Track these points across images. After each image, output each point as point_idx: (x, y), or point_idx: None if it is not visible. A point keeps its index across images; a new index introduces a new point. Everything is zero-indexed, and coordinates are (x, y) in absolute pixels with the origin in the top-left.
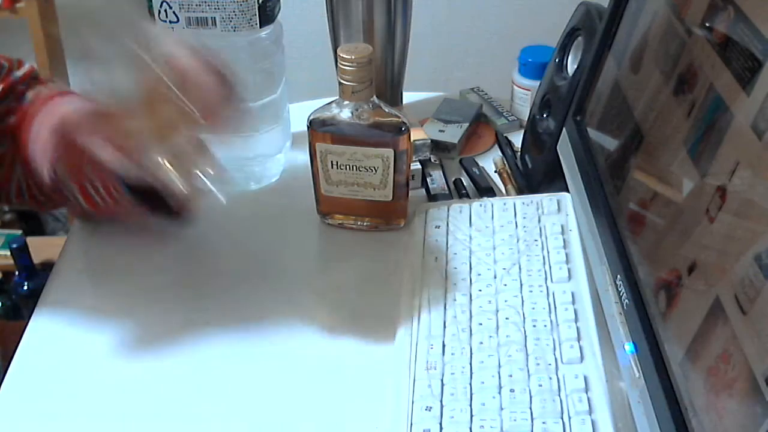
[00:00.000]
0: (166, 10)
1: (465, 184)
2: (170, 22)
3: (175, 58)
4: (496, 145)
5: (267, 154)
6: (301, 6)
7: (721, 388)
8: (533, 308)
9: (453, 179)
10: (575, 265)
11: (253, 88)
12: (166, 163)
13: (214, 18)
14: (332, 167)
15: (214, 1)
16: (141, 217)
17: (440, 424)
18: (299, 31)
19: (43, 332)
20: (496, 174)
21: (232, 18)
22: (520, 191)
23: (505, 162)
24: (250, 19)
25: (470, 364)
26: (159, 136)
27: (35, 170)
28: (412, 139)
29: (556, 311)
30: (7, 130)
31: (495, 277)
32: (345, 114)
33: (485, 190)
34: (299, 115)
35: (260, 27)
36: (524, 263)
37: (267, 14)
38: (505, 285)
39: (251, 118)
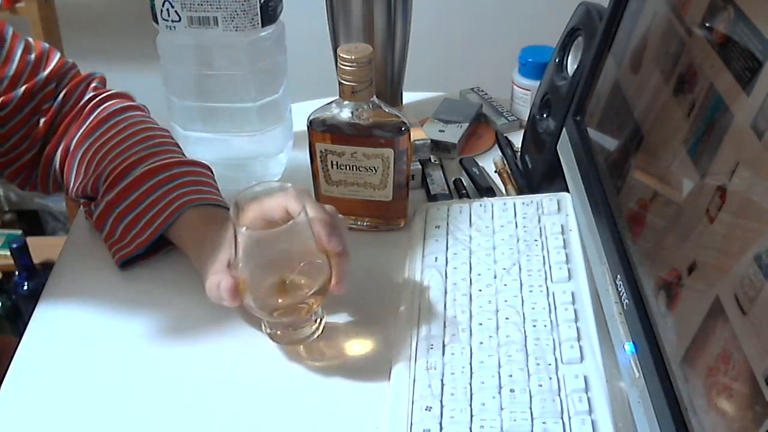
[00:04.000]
0: (168, 10)
1: (465, 184)
2: (172, 21)
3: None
4: (496, 145)
5: (269, 153)
6: (301, 6)
7: (721, 388)
8: (533, 308)
9: (453, 179)
10: (575, 265)
11: (254, 88)
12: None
13: (216, 17)
14: (332, 167)
15: (216, 0)
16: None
17: (440, 424)
18: (299, 31)
19: (43, 332)
20: (496, 174)
21: (234, 17)
22: (520, 191)
23: (505, 162)
24: (252, 19)
25: (470, 364)
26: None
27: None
28: (412, 139)
29: (556, 311)
30: (39, 133)
31: (495, 277)
32: (345, 114)
33: (485, 190)
34: (300, 115)
35: (262, 27)
36: (524, 263)
37: (269, 14)
38: (505, 285)
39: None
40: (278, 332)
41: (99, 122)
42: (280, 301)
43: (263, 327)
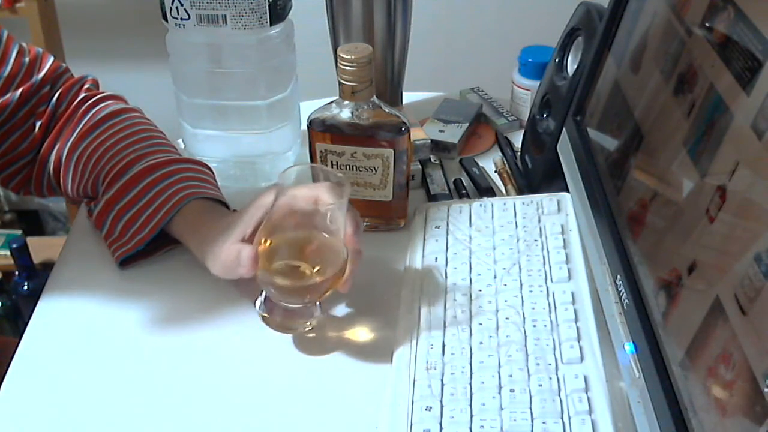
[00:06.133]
0: (177, 8)
1: (465, 184)
2: (181, 19)
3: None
4: (496, 145)
5: (277, 151)
6: (301, 6)
7: (721, 388)
8: (533, 308)
9: (453, 179)
10: (575, 265)
11: (263, 86)
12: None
13: (225, 16)
14: (332, 167)
15: None
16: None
17: (440, 424)
18: (299, 30)
19: (44, 332)
20: (496, 174)
21: (242, 16)
22: (520, 191)
23: (505, 162)
24: (261, 17)
25: (470, 364)
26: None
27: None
28: (412, 139)
29: (556, 311)
30: (35, 137)
31: (495, 277)
32: (345, 114)
33: (485, 190)
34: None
35: (270, 25)
36: (524, 263)
37: (278, 12)
38: (505, 285)
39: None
40: (276, 318)
41: (95, 123)
42: (291, 281)
43: (258, 308)
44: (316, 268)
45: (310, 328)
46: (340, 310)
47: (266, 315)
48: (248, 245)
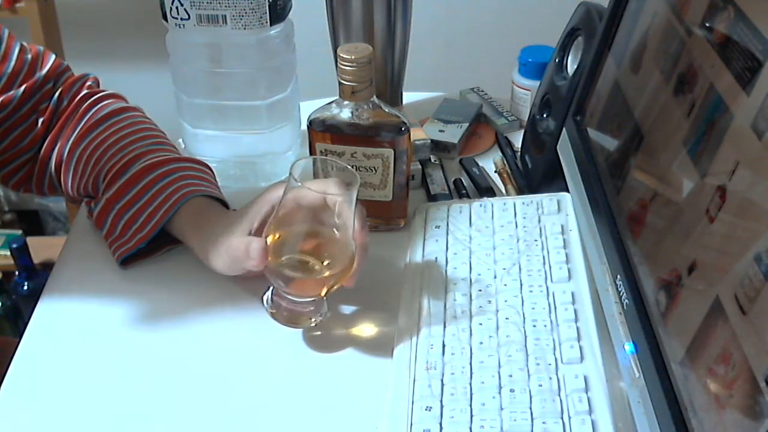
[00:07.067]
0: (177, 8)
1: (465, 184)
2: (181, 19)
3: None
4: (496, 145)
5: (277, 151)
6: (301, 6)
7: (721, 388)
8: (533, 308)
9: (453, 179)
10: (575, 265)
11: (263, 86)
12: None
13: (225, 16)
14: (332, 168)
15: None
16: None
17: (440, 424)
18: (299, 30)
19: (43, 332)
20: (496, 174)
21: (242, 16)
22: (520, 191)
23: (505, 162)
24: (261, 17)
25: (470, 364)
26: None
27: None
28: (412, 139)
29: (556, 311)
30: (37, 133)
31: (495, 277)
32: (345, 114)
33: (485, 190)
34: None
35: (270, 25)
36: (524, 263)
37: (278, 12)
38: (505, 285)
39: None
40: (283, 312)
41: (97, 122)
42: (300, 274)
43: (265, 303)
44: (325, 263)
45: (317, 323)
46: (340, 310)
47: (274, 311)
48: (257, 238)
